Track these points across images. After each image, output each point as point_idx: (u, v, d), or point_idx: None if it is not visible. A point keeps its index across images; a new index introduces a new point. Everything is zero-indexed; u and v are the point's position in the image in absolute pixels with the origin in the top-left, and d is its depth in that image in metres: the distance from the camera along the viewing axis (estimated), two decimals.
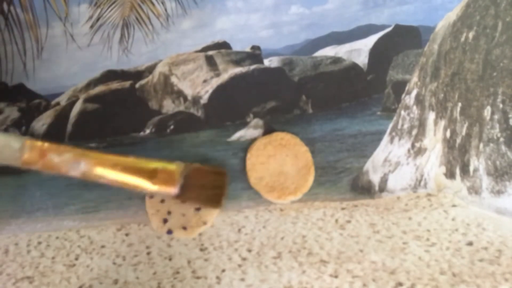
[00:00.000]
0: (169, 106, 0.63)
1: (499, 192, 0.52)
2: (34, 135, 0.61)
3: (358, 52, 0.64)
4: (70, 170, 0.42)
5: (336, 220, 0.56)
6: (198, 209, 0.53)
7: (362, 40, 0.63)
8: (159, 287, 0.50)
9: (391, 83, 0.61)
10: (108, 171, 0.43)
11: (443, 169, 0.56)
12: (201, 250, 0.54)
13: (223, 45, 0.63)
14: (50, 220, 0.58)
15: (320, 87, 0.63)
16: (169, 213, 0.53)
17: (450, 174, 0.56)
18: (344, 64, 0.64)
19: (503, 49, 0.52)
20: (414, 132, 0.59)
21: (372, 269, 0.49)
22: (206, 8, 0.60)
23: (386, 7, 0.62)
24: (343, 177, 0.59)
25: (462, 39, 0.56)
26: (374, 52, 0.63)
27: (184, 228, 0.53)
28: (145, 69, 0.64)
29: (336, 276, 0.49)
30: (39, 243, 0.56)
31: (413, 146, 0.58)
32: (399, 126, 0.60)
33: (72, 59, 0.60)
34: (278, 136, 0.56)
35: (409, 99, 0.60)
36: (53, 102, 0.63)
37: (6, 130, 0.60)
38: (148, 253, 0.54)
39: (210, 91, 0.62)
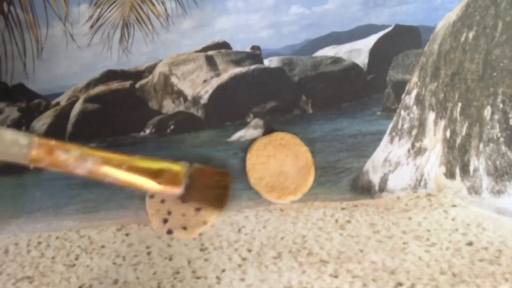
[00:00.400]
0: (169, 106, 0.63)
1: (499, 192, 0.52)
2: None
3: (358, 52, 0.64)
4: (76, 168, 0.42)
5: (336, 220, 0.56)
6: (198, 209, 0.53)
7: (362, 40, 0.63)
8: (159, 287, 0.50)
9: (391, 83, 0.61)
10: (114, 170, 0.43)
11: (443, 169, 0.56)
12: (201, 250, 0.54)
13: (223, 45, 0.63)
14: (50, 220, 0.58)
15: (320, 87, 0.63)
16: (169, 213, 0.53)
17: (450, 174, 0.56)
18: (344, 64, 0.64)
19: (503, 49, 0.52)
20: (414, 132, 0.59)
21: (372, 269, 0.49)
22: (206, 8, 0.60)
23: (386, 7, 0.62)
24: (343, 177, 0.59)
25: (462, 39, 0.56)
26: (374, 52, 0.63)
27: (184, 228, 0.53)
28: (145, 69, 0.64)
29: (336, 276, 0.49)
30: (39, 243, 0.56)
31: (413, 146, 0.58)
32: (399, 126, 0.60)
33: (72, 59, 0.60)
34: (278, 136, 0.56)
35: (409, 99, 0.60)
36: (53, 102, 0.63)
37: None
38: (148, 253, 0.54)
39: (210, 91, 0.62)
